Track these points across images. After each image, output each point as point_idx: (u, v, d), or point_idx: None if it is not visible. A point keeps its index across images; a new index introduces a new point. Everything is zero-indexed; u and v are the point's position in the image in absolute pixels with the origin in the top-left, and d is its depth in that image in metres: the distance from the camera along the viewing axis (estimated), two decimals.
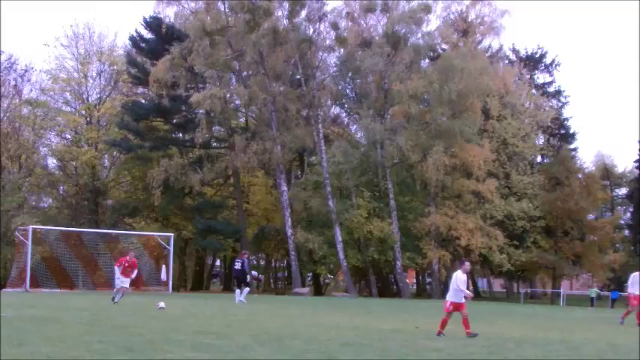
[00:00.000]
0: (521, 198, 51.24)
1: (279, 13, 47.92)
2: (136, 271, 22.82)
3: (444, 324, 14.63)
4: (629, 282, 22.56)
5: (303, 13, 48.28)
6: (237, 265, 27.12)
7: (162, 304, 20.06)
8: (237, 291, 26.85)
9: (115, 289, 22.31)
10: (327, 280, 62.10)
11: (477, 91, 47.06)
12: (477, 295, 62.02)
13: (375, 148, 48.09)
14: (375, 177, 50.76)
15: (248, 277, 27.27)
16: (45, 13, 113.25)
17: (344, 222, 46.35)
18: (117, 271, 22.27)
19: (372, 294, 48.97)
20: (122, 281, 21.97)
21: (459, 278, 14.56)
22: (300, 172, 53.88)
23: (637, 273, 22.19)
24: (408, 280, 55.49)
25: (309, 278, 59.19)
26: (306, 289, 47.58)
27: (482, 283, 73.82)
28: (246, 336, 12.90)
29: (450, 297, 14.74)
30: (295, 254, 46.68)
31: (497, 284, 75.15)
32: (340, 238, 45.82)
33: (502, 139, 52.40)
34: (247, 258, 29.24)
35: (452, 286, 14.78)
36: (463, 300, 14.62)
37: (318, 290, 55.69)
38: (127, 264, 22.09)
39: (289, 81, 49.26)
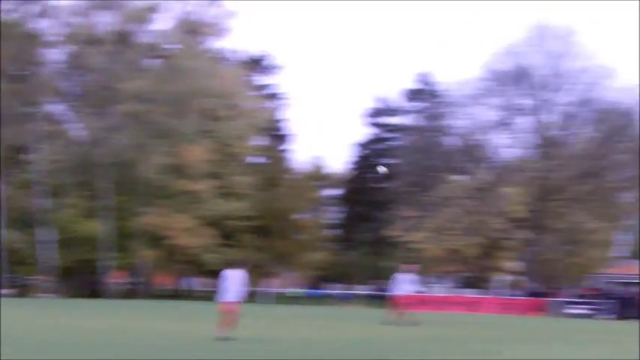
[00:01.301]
0: (238, 198, 52.58)
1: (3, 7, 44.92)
2: None
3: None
4: (394, 282, 23.48)
5: (28, 8, 45.78)
6: None
7: None
8: None
9: None
10: (33, 281, 58.68)
11: (200, 92, 47.90)
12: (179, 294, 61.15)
13: (94, 147, 46.99)
14: (91, 176, 49.32)
15: None
16: None
17: (56, 221, 44.83)
18: None
19: (81, 294, 47.52)
20: None
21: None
22: (16, 170, 50.68)
23: (399, 273, 23.29)
24: (117, 280, 54.18)
25: (15, 279, 55.54)
26: (10, 291, 44.93)
27: (191, 283, 72.28)
28: None
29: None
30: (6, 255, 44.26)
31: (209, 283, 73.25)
32: (50, 238, 44.06)
33: (221, 139, 53.21)
34: None
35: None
36: None
37: (24, 292, 52.57)
38: None
39: (9, 76, 46.21)
